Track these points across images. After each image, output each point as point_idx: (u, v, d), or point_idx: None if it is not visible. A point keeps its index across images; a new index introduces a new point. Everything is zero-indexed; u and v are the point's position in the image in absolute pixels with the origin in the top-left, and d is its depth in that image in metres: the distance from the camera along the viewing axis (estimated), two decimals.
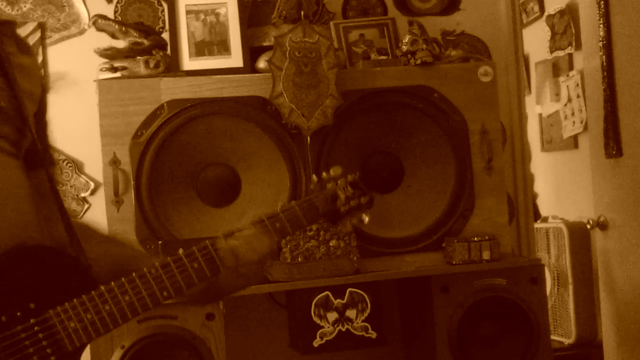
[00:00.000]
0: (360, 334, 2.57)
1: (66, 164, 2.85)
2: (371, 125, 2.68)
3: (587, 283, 3.88)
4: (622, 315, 3.04)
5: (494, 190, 2.73)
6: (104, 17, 2.68)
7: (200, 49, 2.67)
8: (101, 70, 2.60)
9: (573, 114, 4.26)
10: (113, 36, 2.68)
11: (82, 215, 2.86)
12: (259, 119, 2.57)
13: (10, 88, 1.42)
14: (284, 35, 2.57)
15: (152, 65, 2.59)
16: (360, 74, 2.69)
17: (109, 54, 2.64)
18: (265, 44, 2.71)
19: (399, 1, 3.08)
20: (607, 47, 2.99)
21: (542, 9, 4.51)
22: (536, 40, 4.46)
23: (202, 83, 2.56)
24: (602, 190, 3.11)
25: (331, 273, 2.56)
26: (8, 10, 2.85)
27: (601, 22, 3.00)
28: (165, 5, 2.86)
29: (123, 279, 1.40)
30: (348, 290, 2.57)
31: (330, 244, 2.58)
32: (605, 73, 3.00)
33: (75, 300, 1.35)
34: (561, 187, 4.48)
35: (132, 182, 2.49)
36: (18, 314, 1.32)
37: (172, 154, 2.53)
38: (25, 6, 2.87)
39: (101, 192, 2.72)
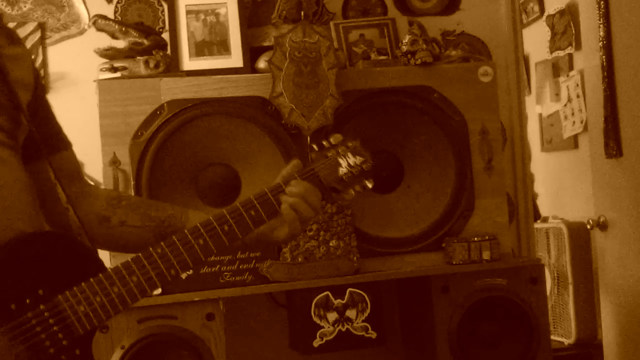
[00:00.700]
0: (360, 334, 2.57)
1: None
2: (371, 125, 2.68)
3: (587, 283, 3.88)
4: (622, 315, 3.04)
5: (494, 190, 2.73)
6: (104, 17, 2.68)
7: (200, 49, 2.67)
8: (101, 70, 2.60)
9: (573, 114, 4.27)
10: (113, 36, 2.68)
11: None
12: (259, 119, 2.57)
13: (1, 78, 1.42)
14: (284, 35, 2.57)
15: (152, 65, 2.59)
16: (360, 74, 2.69)
17: (109, 54, 2.64)
18: (265, 44, 2.71)
19: (399, 1, 3.08)
20: (607, 47, 2.99)
21: (542, 9, 4.51)
22: (536, 40, 4.46)
23: (202, 83, 2.55)
24: (602, 190, 3.11)
25: (331, 273, 2.56)
26: (8, 10, 2.85)
27: (601, 22, 3.00)
28: (165, 5, 2.86)
29: (129, 259, 1.41)
30: (348, 290, 2.57)
31: (330, 244, 2.58)
32: (605, 73, 3.00)
33: (83, 283, 1.36)
34: (561, 187, 4.49)
35: (132, 182, 2.49)
36: (27, 301, 1.33)
37: (172, 154, 2.53)
38: (25, 6, 2.87)
39: None
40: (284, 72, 2.55)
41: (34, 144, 1.46)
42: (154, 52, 2.62)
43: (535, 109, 4.64)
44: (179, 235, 1.45)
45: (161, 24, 2.91)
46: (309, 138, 2.58)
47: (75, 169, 1.61)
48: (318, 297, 2.55)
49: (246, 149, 2.59)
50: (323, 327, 2.55)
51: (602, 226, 3.08)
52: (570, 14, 4.19)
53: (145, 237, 1.55)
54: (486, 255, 2.63)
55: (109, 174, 2.48)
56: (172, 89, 2.53)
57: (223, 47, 2.68)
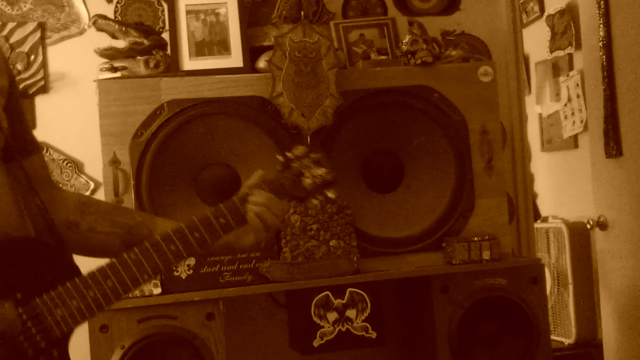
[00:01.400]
0: (360, 334, 2.57)
1: (66, 164, 2.85)
2: (371, 125, 2.68)
3: (587, 283, 3.89)
4: (622, 315, 3.04)
5: (494, 190, 2.73)
6: (104, 17, 2.68)
7: (200, 49, 2.67)
8: (101, 70, 2.60)
9: (573, 114, 4.27)
10: (113, 36, 2.68)
11: None
12: (259, 119, 2.57)
13: None
14: (284, 35, 2.57)
15: (152, 65, 2.59)
16: (360, 74, 2.69)
17: (109, 54, 2.64)
18: (265, 44, 2.71)
19: (399, 1, 3.08)
20: (607, 47, 2.99)
21: (542, 9, 4.51)
22: (536, 40, 4.46)
23: (202, 83, 2.56)
24: (602, 190, 3.11)
25: (331, 273, 2.56)
26: (8, 10, 2.85)
27: (601, 22, 3.00)
28: (165, 5, 2.86)
29: (104, 264, 1.43)
30: (348, 290, 2.57)
31: (331, 244, 2.58)
32: (605, 73, 3.00)
33: (60, 287, 1.38)
34: (561, 187, 4.48)
35: (132, 182, 2.49)
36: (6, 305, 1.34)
37: (172, 154, 2.53)
38: (25, 6, 2.87)
39: (101, 192, 2.71)
40: (284, 72, 2.55)
41: (7, 147, 1.46)
42: (154, 52, 2.62)
43: (535, 108, 4.64)
44: (151, 241, 1.48)
45: (161, 24, 2.91)
46: (308, 138, 2.58)
47: (46, 174, 1.62)
48: (318, 297, 2.55)
49: (246, 149, 2.59)
50: (323, 327, 2.55)
51: (602, 226, 3.08)
52: (570, 13, 4.19)
53: (113, 243, 1.58)
54: (486, 255, 2.63)
55: (109, 173, 2.49)
56: (172, 89, 2.53)
57: (223, 47, 2.68)
